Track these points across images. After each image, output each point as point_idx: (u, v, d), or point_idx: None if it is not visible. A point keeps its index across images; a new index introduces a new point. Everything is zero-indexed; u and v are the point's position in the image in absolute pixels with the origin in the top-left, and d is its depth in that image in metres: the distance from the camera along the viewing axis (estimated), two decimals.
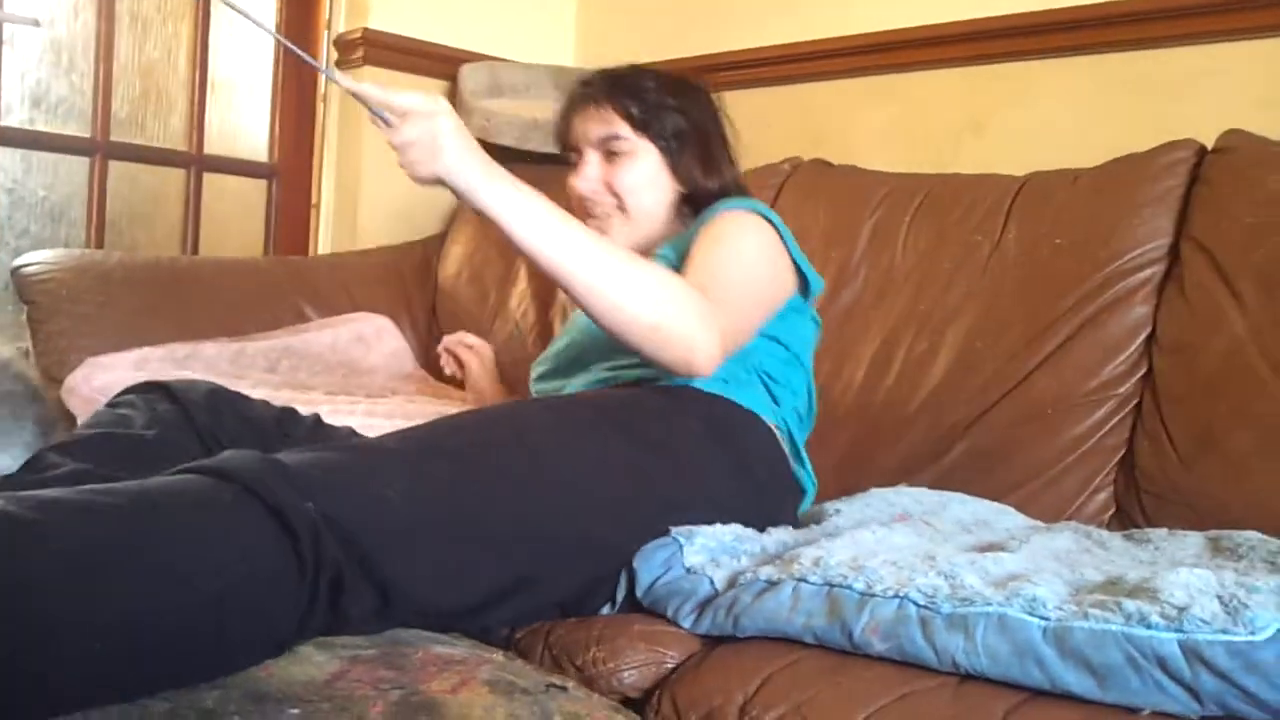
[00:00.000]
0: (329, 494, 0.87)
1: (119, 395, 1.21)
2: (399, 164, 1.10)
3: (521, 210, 1.11)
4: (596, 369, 1.40)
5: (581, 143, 1.48)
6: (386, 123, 1.09)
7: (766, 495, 1.28)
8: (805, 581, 0.96)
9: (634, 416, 1.20)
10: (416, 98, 1.09)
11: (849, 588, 0.94)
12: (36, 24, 2.10)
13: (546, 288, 2.21)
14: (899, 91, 2.13)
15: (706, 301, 1.17)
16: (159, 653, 0.77)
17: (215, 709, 0.79)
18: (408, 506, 0.93)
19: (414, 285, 2.40)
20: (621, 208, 1.46)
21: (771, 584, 0.98)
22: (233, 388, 1.77)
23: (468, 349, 1.87)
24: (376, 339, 2.18)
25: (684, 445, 1.21)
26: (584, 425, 1.16)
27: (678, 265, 1.32)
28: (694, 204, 1.49)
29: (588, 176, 1.46)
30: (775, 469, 1.31)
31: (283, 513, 0.83)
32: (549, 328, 2.16)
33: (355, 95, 1.11)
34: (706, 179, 1.48)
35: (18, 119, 2.14)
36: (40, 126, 2.18)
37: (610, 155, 1.46)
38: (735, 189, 1.52)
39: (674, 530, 1.10)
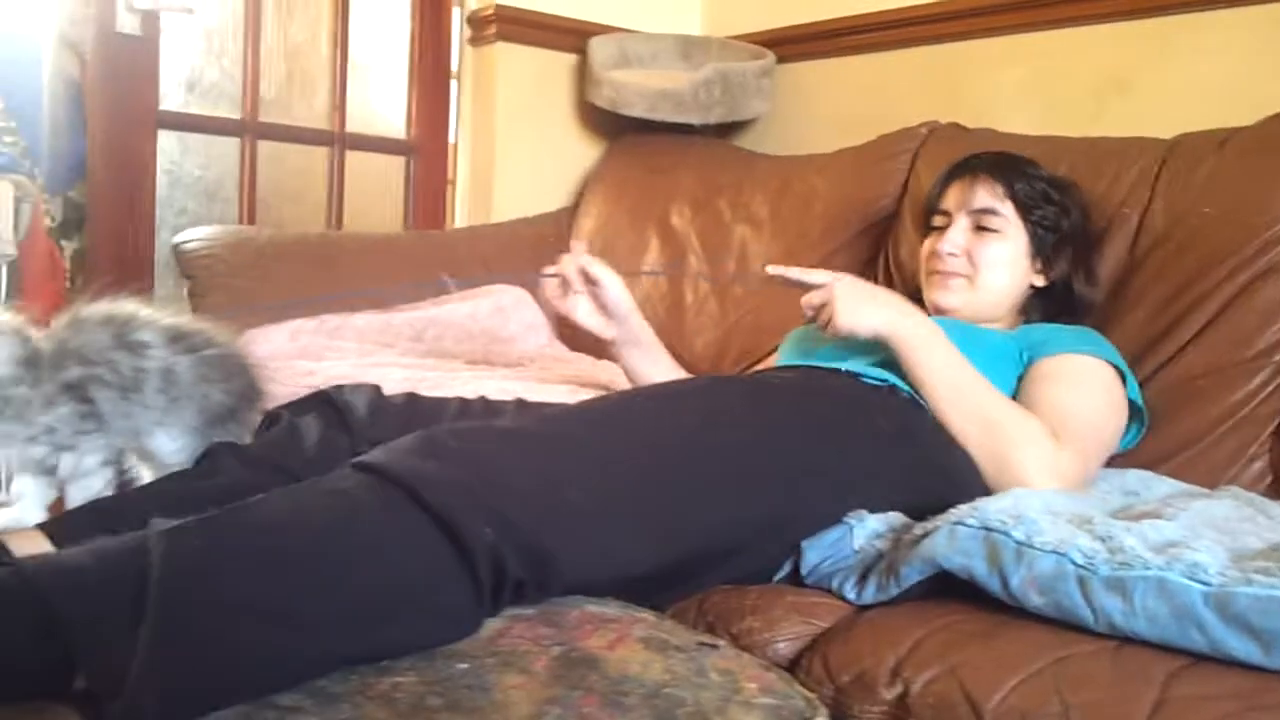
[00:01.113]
0: (511, 509, 0.91)
1: (291, 404, 1.26)
2: (818, 325, 1.38)
3: (927, 338, 1.33)
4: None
5: (954, 209, 1.56)
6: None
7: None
8: (962, 525, 0.97)
9: (823, 403, 1.26)
10: (822, 273, 1.38)
11: (1007, 534, 0.94)
12: (190, 11, 2.20)
13: (678, 257, 2.23)
14: (1037, 50, 2.07)
15: (1056, 444, 1.25)
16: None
17: (389, 665, 0.84)
18: (591, 505, 0.97)
19: (547, 257, 2.44)
20: (971, 277, 1.52)
21: (928, 532, 0.99)
22: (382, 356, 1.88)
23: (585, 280, 1.56)
24: (514, 310, 2.23)
25: (869, 441, 1.24)
26: (773, 410, 1.21)
27: (1009, 358, 1.42)
28: (1043, 301, 1.56)
29: (953, 240, 1.53)
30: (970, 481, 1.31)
31: (465, 546, 0.87)
32: (681, 297, 2.19)
33: (783, 280, 1.37)
34: (1076, 279, 1.55)
35: (175, 103, 2.24)
36: (195, 110, 2.29)
37: (980, 229, 1.53)
38: (1094, 305, 1.57)
39: (848, 516, 1.13)
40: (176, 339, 1.22)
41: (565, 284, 1.57)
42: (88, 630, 0.75)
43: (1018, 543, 0.94)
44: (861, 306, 1.34)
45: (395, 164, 2.57)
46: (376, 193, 2.56)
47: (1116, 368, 1.41)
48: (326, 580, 0.83)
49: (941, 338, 1.34)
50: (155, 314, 1.25)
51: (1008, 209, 1.53)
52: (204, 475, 1.11)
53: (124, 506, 1.05)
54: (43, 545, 0.97)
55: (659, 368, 1.61)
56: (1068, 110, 2.01)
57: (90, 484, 1.11)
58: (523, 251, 2.43)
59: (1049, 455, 1.24)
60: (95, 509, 1.06)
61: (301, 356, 1.82)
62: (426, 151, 2.57)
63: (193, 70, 2.28)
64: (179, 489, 1.08)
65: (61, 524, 1.03)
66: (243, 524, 0.85)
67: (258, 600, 0.79)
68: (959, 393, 1.30)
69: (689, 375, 1.65)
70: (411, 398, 1.31)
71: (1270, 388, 1.44)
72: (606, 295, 1.55)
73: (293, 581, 0.81)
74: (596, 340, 1.62)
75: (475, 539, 0.87)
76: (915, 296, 1.66)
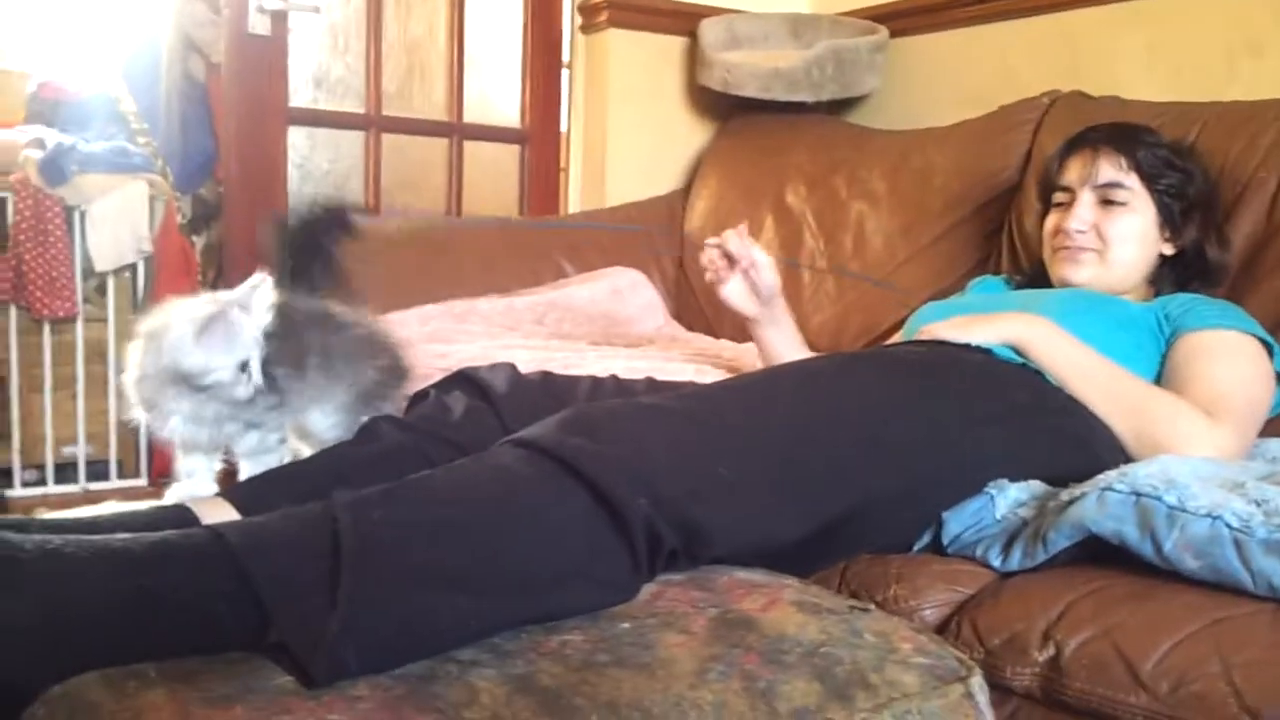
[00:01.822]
0: (662, 481, 0.94)
1: (434, 385, 1.32)
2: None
3: (1048, 337, 1.35)
4: None
5: (1076, 184, 1.55)
6: None
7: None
8: (1111, 490, 0.97)
9: (958, 376, 1.27)
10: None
11: (1159, 499, 0.94)
12: (317, 10, 2.28)
13: (793, 236, 2.24)
14: (1161, 13, 2.02)
15: (1210, 421, 1.25)
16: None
17: (556, 625, 0.88)
18: (738, 478, 1.00)
19: (661, 239, 2.48)
20: (1101, 252, 1.52)
21: (1075, 499, 1.00)
22: (509, 339, 1.93)
23: (734, 264, 1.55)
24: (631, 292, 2.26)
25: (1005, 412, 1.25)
26: (909, 382, 1.23)
27: (1148, 328, 1.41)
28: (1173, 270, 1.54)
29: (1081, 217, 1.52)
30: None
31: (622, 516, 0.91)
32: (797, 275, 2.19)
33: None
34: (1208, 244, 1.53)
35: (304, 99, 2.33)
36: (322, 105, 2.37)
37: (1106, 203, 1.52)
38: (1227, 269, 1.56)
39: (989, 485, 1.13)
40: (326, 319, 1.28)
41: (725, 257, 1.57)
42: (282, 591, 0.80)
43: (1170, 507, 0.94)
44: (973, 326, 1.38)
45: (510, 152, 2.63)
46: (493, 181, 2.62)
47: (1263, 341, 1.38)
48: (497, 549, 0.87)
49: (1061, 335, 1.35)
50: (301, 298, 1.31)
51: (1133, 180, 1.51)
52: (364, 443, 1.16)
53: (296, 476, 1.12)
54: (229, 513, 1.04)
55: (791, 347, 1.64)
56: (1197, 75, 1.95)
57: (268, 460, 1.17)
58: (636, 235, 2.47)
59: (1205, 432, 1.23)
60: (270, 479, 1.12)
61: (432, 340, 1.88)
62: (540, 139, 2.63)
63: (319, 67, 2.37)
64: (345, 456, 1.14)
65: (242, 493, 1.10)
66: (417, 498, 0.90)
67: (436, 567, 0.84)
68: (1099, 382, 1.31)
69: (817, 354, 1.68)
70: (546, 375, 1.36)
71: None
72: (760, 278, 1.57)
73: (466, 550, 0.86)
74: (736, 318, 1.66)
75: (632, 510, 0.91)
76: (1040, 269, 1.65)
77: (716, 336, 2.29)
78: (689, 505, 0.95)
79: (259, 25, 2.19)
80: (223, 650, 0.81)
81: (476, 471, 0.94)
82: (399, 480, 0.92)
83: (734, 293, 1.58)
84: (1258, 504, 0.92)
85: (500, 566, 0.87)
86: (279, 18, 2.21)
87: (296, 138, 2.33)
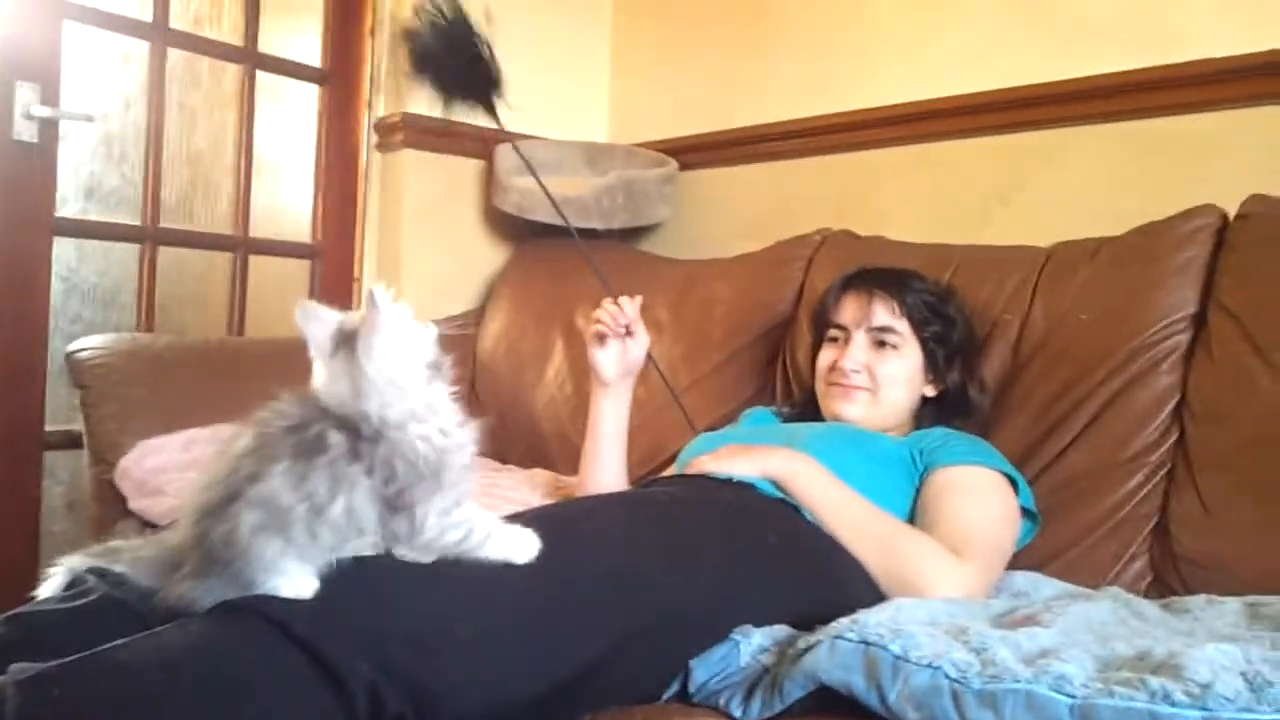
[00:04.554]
0: (392, 641, 0.89)
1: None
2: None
3: (804, 472, 1.40)
4: None
5: (851, 324, 1.62)
6: None
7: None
8: (842, 639, 0.98)
9: (711, 520, 1.28)
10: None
11: (885, 648, 0.95)
12: (90, 119, 2.19)
13: (581, 359, 2.24)
14: (925, 161, 2.16)
15: (957, 560, 1.30)
16: None
17: None
18: (477, 638, 0.95)
19: (453, 359, 2.44)
20: (874, 391, 1.59)
21: (809, 647, 1.00)
22: None
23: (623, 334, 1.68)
24: None
25: (756, 555, 1.25)
26: (661, 529, 1.23)
27: (903, 463, 1.47)
28: (934, 408, 1.62)
29: (854, 357, 1.59)
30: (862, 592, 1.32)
31: (340, 681, 0.85)
32: (585, 400, 2.19)
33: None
34: (971, 387, 1.62)
35: (73, 210, 2.22)
36: (93, 216, 2.26)
37: (879, 344, 1.59)
38: (984, 409, 1.64)
39: (735, 631, 1.12)
40: None
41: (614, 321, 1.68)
42: None
43: (895, 657, 0.95)
44: (738, 459, 1.43)
45: (300, 266, 2.57)
46: (281, 296, 2.54)
47: (1009, 476, 1.45)
48: None
49: (820, 472, 1.39)
50: None
51: (903, 326, 1.59)
52: (67, 600, 1.06)
53: None
54: None
55: (620, 425, 1.76)
56: (955, 219, 2.08)
57: None
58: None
59: (951, 570, 1.28)
60: None
61: (193, 467, 1.78)
62: (332, 254, 2.58)
63: (92, 176, 2.26)
64: (43, 615, 1.01)
65: None
66: (104, 670, 0.82)
67: None
68: (853, 520, 1.35)
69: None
70: None
71: (1147, 488, 1.49)
72: (635, 353, 1.71)
73: None
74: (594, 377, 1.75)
75: (352, 675, 0.86)
76: (809, 400, 1.70)
77: (504, 461, 2.26)
78: (420, 667, 0.90)
79: (26, 132, 2.08)
80: None
81: (179, 639, 0.87)
82: (98, 648, 0.85)
83: (606, 356, 1.70)
84: (977, 652, 0.94)
85: None
86: (48, 125, 2.11)
87: (63, 250, 2.21)
